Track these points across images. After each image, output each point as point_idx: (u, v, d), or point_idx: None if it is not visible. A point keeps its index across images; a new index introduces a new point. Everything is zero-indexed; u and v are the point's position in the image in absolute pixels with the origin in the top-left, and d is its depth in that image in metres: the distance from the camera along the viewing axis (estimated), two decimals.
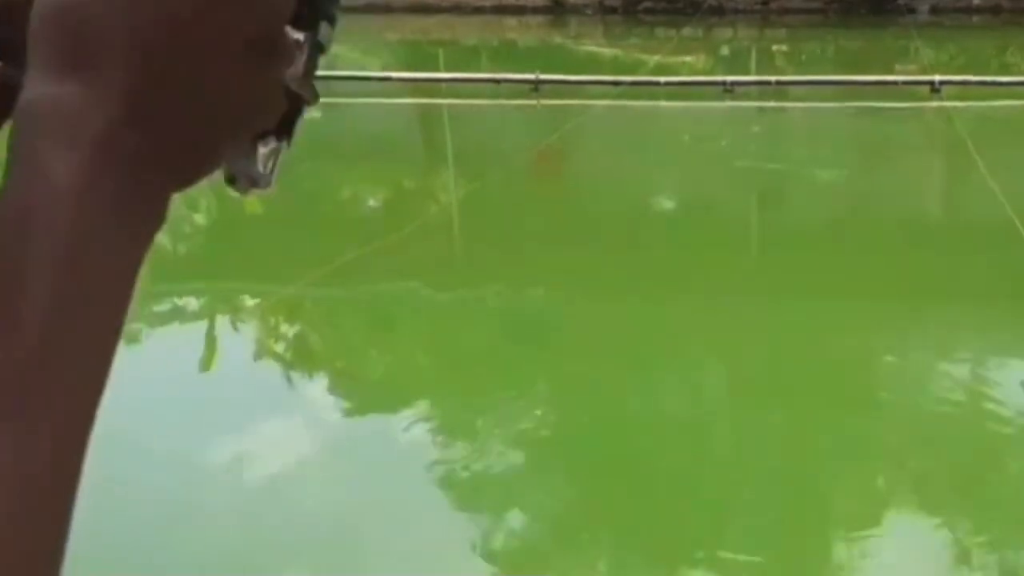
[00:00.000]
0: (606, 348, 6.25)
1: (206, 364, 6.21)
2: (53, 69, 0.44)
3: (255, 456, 5.07)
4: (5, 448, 0.40)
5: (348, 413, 5.71)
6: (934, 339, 6.59)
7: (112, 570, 4.02)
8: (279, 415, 5.61)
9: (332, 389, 6.05)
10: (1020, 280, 7.07)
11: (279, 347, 6.62)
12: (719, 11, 19.92)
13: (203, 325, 6.99)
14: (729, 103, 12.34)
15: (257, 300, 7.16)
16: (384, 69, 14.87)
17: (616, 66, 14.73)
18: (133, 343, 6.56)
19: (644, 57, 15.37)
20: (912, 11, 19.62)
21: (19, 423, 0.41)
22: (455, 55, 17.01)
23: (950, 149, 10.74)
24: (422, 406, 5.48)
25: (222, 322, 7.10)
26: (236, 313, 7.16)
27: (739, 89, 12.63)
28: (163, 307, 7.16)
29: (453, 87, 13.33)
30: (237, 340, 6.75)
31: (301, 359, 6.51)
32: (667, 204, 9.99)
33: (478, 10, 20.50)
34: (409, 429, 5.21)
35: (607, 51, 17.31)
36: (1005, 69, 14.40)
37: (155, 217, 0.46)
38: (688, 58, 15.99)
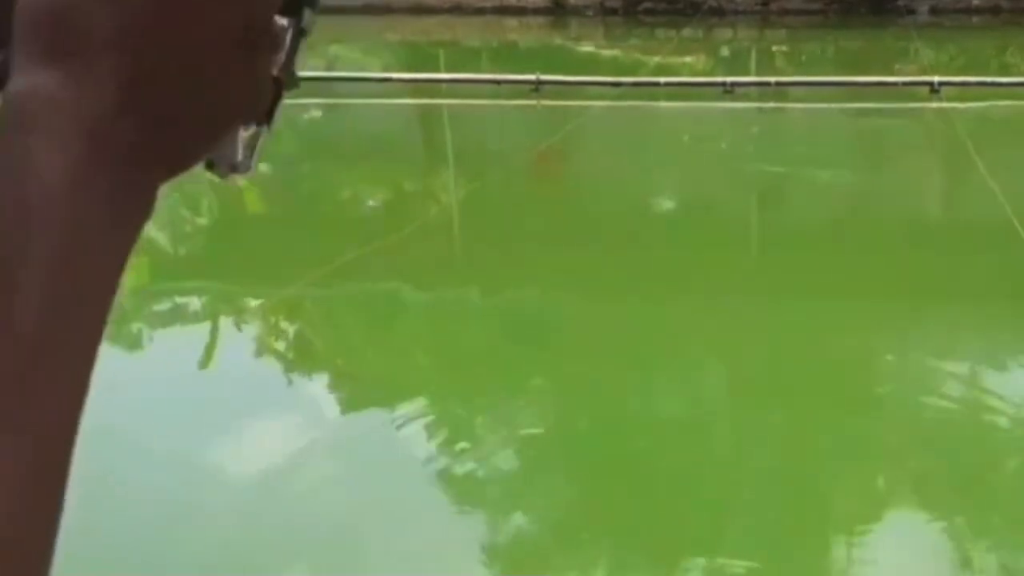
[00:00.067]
0: (606, 348, 6.24)
1: (206, 364, 6.21)
2: (42, 60, 0.43)
3: (255, 456, 5.06)
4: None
5: (348, 413, 5.71)
6: (934, 339, 6.59)
7: (112, 570, 4.03)
8: (279, 415, 5.61)
9: (332, 389, 6.05)
10: (1020, 280, 7.07)
11: (279, 347, 6.62)
12: (719, 12, 19.91)
13: (203, 325, 7.00)
14: (729, 104, 12.34)
15: (257, 300, 7.16)
16: (385, 70, 14.87)
17: (616, 67, 14.74)
18: (133, 343, 6.56)
19: (644, 58, 15.38)
20: (912, 12, 19.62)
21: (10, 423, 0.40)
22: (456, 56, 17.01)
23: (950, 150, 10.73)
24: (422, 406, 5.48)
25: (222, 322, 7.11)
26: (236, 313, 7.16)
27: (739, 90, 12.62)
28: (163, 307, 7.17)
29: (453, 88, 13.32)
30: (237, 340, 6.75)
31: (301, 359, 6.52)
32: (667, 204, 9.99)
33: (479, 11, 20.49)
34: (409, 429, 5.21)
35: (607, 52, 17.32)
36: (1005, 70, 14.40)
37: (145, 208, 0.45)
38: (688, 59, 16.00)
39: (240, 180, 0.53)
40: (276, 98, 0.51)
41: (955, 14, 19.42)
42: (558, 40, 19.94)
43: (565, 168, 10.92)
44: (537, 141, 11.12)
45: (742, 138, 11.74)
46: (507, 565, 4.38)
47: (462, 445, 5.16)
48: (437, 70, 15.13)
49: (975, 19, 19.47)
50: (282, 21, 0.50)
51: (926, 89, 11.98)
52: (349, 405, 5.79)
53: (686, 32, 18.29)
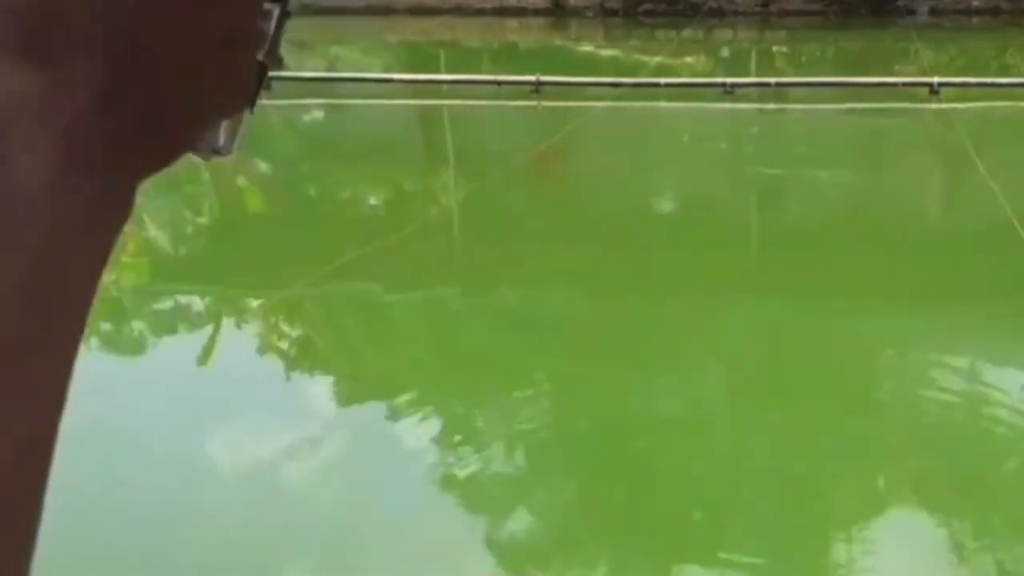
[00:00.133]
0: (606, 348, 6.25)
1: (206, 363, 6.21)
2: (18, 59, 0.41)
3: (255, 456, 5.07)
4: None
5: (348, 413, 5.72)
6: (934, 339, 6.59)
7: (112, 570, 4.03)
8: (279, 415, 5.61)
9: (332, 389, 6.06)
10: (1020, 280, 7.07)
11: (279, 347, 6.62)
12: (719, 13, 19.92)
13: (203, 325, 7.00)
14: (729, 104, 12.35)
15: (257, 300, 7.16)
16: (385, 70, 14.89)
17: (616, 68, 14.75)
18: (133, 343, 6.57)
19: (644, 59, 15.38)
20: (912, 12, 19.63)
21: None
22: (456, 57, 17.03)
23: (950, 150, 10.73)
24: (422, 406, 5.48)
25: (222, 322, 7.11)
26: (236, 313, 7.17)
27: (739, 90, 12.63)
28: (163, 307, 7.17)
29: (454, 88, 13.33)
30: (237, 340, 6.76)
31: (301, 359, 6.52)
32: (667, 205, 9.99)
33: (479, 12, 20.51)
34: (409, 429, 5.21)
35: (607, 53, 17.33)
36: (1004, 70, 14.41)
37: (124, 208, 0.44)
38: (688, 59, 16.01)
39: (223, 161, 0.52)
40: (259, 82, 0.49)
41: (955, 15, 19.43)
42: (558, 41, 19.95)
43: (565, 168, 10.93)
44: (537, 141, 11.12)
45: (742, 139, 11.75)
46: (507, 565, 4.38)
47: (462, 445, 5.17)
48: (437, 71, 15.14)
49: (975, 20, 19.48)
50: (268, 5, 0.49)
51: (926, 90, 11.98)
52: (349, 405, 5.79)
53: (686, 33, 18.30)
